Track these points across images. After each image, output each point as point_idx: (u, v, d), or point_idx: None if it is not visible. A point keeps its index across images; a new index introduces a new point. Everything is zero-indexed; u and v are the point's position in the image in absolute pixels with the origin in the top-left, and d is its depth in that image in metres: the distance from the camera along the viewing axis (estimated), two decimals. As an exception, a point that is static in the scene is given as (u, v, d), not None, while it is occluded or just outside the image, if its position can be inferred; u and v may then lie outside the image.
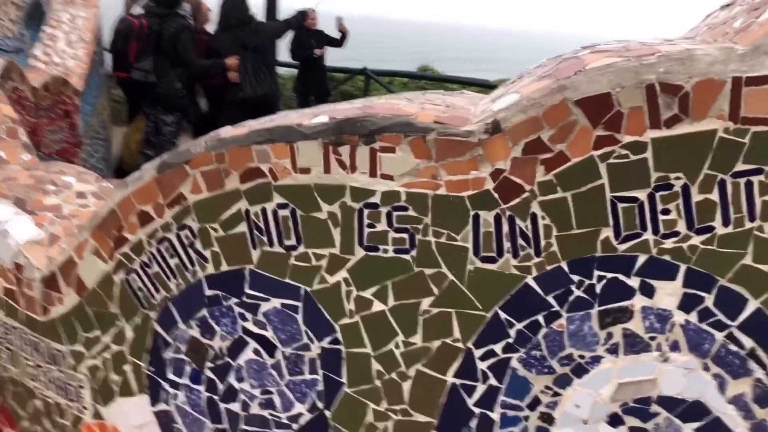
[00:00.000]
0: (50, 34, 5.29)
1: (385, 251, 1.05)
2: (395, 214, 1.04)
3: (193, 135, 6.16)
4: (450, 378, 1.07)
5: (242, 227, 1.14)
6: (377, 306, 1.08)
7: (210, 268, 1.18)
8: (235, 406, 1.23)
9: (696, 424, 0.99)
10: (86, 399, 1.44)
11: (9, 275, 1.52)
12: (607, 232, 0.95)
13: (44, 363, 1.51)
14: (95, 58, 5.46)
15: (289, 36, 7.72)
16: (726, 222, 0.91)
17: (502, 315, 1.02)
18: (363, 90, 9.84)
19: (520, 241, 0.98)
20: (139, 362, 1.32)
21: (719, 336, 0.95)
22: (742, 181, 0.89)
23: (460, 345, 1.05)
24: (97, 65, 5.56)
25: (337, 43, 8.57)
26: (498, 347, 1.04)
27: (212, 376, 1.24)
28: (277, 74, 6.29)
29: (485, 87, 9.59)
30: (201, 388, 1.26)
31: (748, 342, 0.94)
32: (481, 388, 1.06)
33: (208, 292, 1.20)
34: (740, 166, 0.89)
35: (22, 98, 4.17)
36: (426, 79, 10.51)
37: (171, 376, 1.29)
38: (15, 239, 1.51)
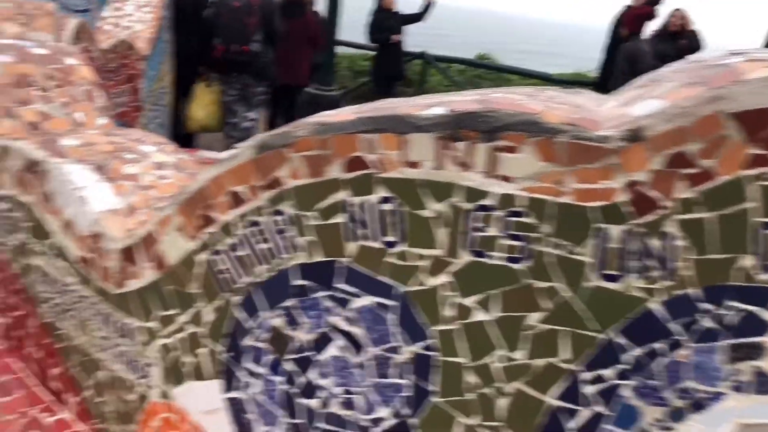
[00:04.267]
0: (120, -3, 5.35)
1: (494, 258, 1.00)
2: (510, 219, 0.98)
3: (270, 105, 6.76)
4: (551, 399, 1.02)
5: (340, 218, 1.10)
6: (479, 315, 1.04)
7: (301, 257, 1.15)
8: (313, 402, 1.20)
9: (827, 479, 0.91)
10: (155, 378, 1.44)
11: (85, 243, 1.52)
12: (749, 260, 0.88)
13: (114, 336, 1.51)
14: (162, 23, 5.50)
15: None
16: None
17: (618, 339, 0.96)
18: (420, 74, 9.85)
19: (649, 261, 0.92)
20: (215, 346, 1.30)
21: None
22: None
23: (566, 366, 1.00)
24: (163, 30, 5.61)
25: (419, 16, 8.70)
26: (609, 372, 0.98)
27: (292, 368, 1.21)
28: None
29: (545, 80, 9.46)
30: (279, 379, 1.23)
31: None
32: (584, 414, 1.01)
33: (297, 282, 1.16)
34: None
35: (91, 59, 4.23)
36: (484, 68, 10.47)
37: (248, 364, 1.26)
38: (94, 207, 1.50)
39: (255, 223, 1.19)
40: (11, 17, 2.68)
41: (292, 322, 1.20)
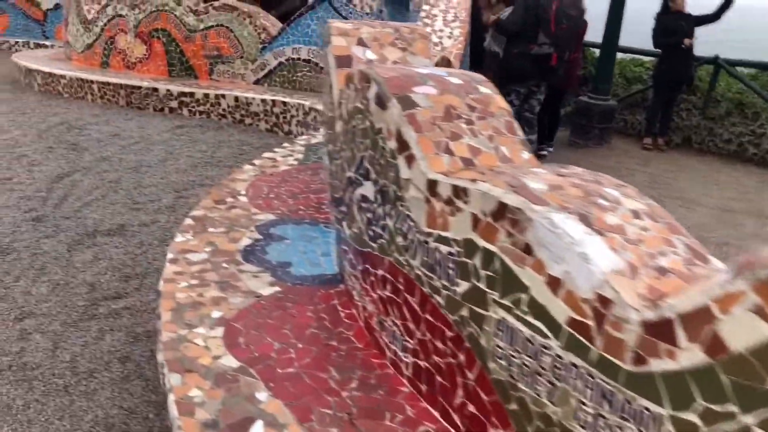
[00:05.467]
0: (429, 13, 5.43)
1: None
2: None
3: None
4: None
5: None
6: None
7: None
8: None
9: None
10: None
11: (584, 306, 1.35)
12: None
13: (615, 416, 1.32)
14: (468, 38, 5.50)
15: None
16: None
17: None
18: (709, 82, 9.04)
19: None
20: (802, 463, 1.04)
21: None
22: None
23: None
24: (468, 45, 5.61)
25: (713, 17, 8.10)
26: None
27: None
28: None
29: None
30: None
31: None
32: None
33: None
34: None
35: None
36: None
37: None
38: (598, 266, 1.33)
39: None
40: (392, 42, 2.69)
41: None
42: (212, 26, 8.21)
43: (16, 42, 12.86)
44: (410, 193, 1.86)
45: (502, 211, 1.54)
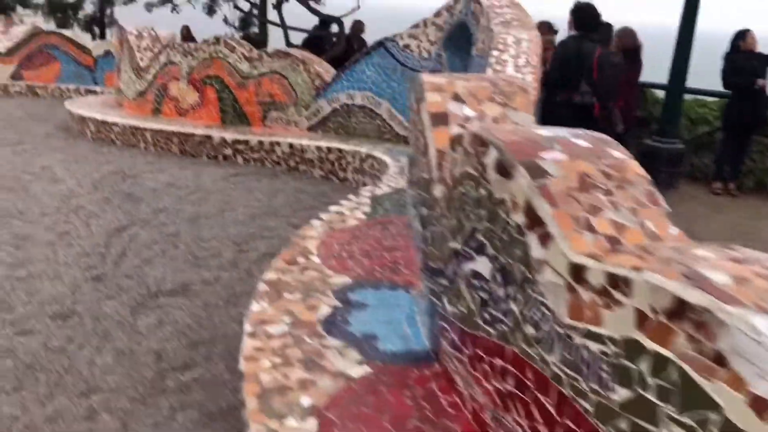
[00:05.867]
0: (498, 58, 5.23)
1: None
2: None
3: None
4: None
5: None
6: None
7: None
8: None
9: None
10: None
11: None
12: None
13: None
14: (539, 84, 5.29)
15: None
16: None
17: None
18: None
19: None
20: None
21: None
22: None
23: None
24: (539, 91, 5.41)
25: None
26: None
27: None
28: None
29: None
30: None
31: None
32: None
33: None
34: None
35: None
36: None
37: None
38: (826, 389, 1.07)
39: None
40: (490, 97, 2.49)
41: None
42: (266, 73, 8.18)
43: (68, 88, 13.10)
44: (545, 277, 1.63)
45: (681, 309, 1.29)
